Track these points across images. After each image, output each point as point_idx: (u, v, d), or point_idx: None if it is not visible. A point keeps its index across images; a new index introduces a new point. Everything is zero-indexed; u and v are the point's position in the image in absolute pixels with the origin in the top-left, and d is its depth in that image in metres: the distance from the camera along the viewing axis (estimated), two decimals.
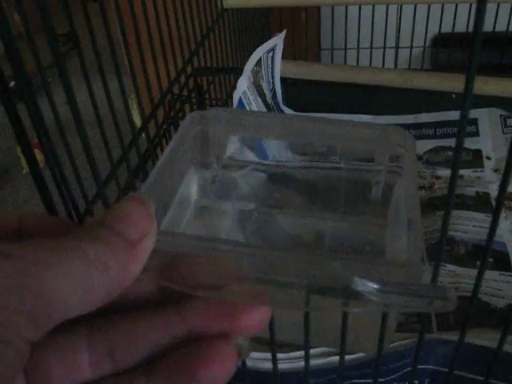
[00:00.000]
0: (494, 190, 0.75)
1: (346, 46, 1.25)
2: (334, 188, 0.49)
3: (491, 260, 0.66)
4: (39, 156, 0.33)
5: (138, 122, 1.14)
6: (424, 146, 0.82)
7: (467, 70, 0.22)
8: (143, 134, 0.47)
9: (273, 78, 0.80)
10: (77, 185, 0.34)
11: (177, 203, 0.44)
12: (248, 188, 0.51)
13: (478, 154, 0.80)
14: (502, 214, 0.73)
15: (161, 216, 0.40)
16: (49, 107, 0.31)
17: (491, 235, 0.26)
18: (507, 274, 0.65)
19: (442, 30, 1.31)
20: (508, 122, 0.82)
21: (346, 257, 0.30)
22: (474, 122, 0.83)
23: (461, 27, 1.42)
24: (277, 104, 0.82)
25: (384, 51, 1.21)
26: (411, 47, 1.32)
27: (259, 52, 0.74)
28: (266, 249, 0.30)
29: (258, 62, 0.74)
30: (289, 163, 0.52)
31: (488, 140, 0.81)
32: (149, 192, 0.36)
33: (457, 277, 0.64)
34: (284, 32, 0.77)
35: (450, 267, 0.65)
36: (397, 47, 1.41)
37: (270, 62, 0.78)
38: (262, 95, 0.75)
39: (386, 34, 1.18)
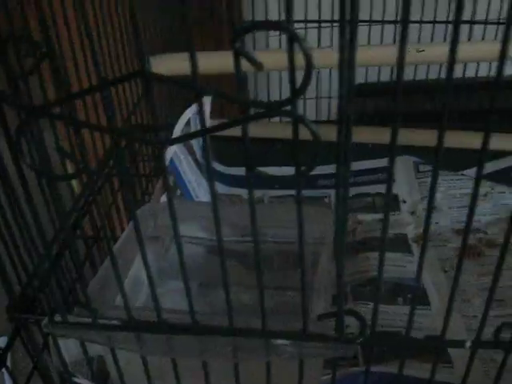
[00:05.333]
0: (410, 231, 0.82)
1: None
2: (270, 259, 0.57)
3: (409, 296, 0.73)
4: None
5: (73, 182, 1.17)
6: None
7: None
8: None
9: None
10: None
11: (131, 282, 0.49)
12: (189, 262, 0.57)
13: (394, 198, 0.87)
14: (417, 252, 0.79)
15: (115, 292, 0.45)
16: None
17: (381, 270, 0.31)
18: (424, 307, 0.71)
19: (368, 80, 1.41)
20: (420, 168, 0.89)
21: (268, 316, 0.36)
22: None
23: (385, 76, 1.51)
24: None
25: (304, 102, 1.29)
26: (330, 97, 1.41)
27: (188, 114, 0.79)
28: (201, 314, 0.36)
29: (188, 123, 0.79)
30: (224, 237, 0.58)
31: (403, 185, 0.88)
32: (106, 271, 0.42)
33: (379, 313, 0.69)
34: None
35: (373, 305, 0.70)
36: (316, 98, 1.50)
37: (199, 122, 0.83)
38: (192, 154, 0.80)
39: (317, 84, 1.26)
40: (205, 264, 0.58)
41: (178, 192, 0.73)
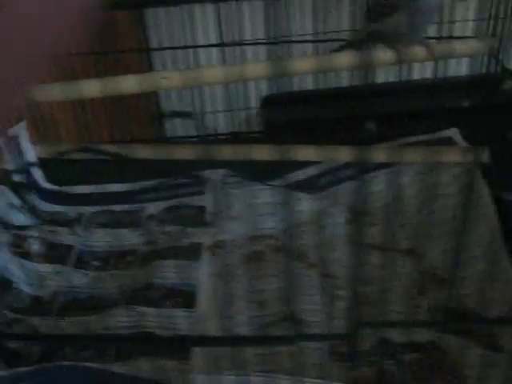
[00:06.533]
0: (206, 240, 0.90)
1: None
2: None
3: (180, 299, 0.80)
4: None
5: None
6: (159, 206, 0.97)
7: None
8: None
9: (25, 160, 0.95)
10: None
11: None
12: None
13: (202, 209, 0.95)
14: (206, 259, 0.87)
15: None
16: None
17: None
18: (190, 310, 0.78)
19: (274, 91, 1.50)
20: (226, 180, 0.98)
21: None
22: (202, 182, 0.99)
23: (288, 87, 1.59)
24: (34, 182, 0.96)
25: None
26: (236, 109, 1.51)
27: None
28: None
29: None
30: None
31: (211, 197, 0.97)
32: None
33: (143, 316, 0.77)
34: (24, 121, 0.92)
35: (141, 309, 0.78)
36: (227, 110, 1.60)
37: (16, 148, 0.93)
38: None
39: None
40: None
41: None
